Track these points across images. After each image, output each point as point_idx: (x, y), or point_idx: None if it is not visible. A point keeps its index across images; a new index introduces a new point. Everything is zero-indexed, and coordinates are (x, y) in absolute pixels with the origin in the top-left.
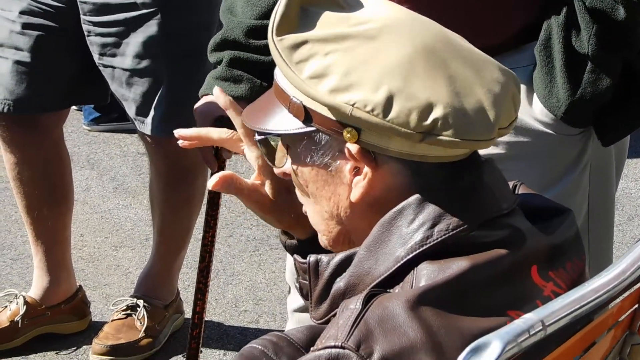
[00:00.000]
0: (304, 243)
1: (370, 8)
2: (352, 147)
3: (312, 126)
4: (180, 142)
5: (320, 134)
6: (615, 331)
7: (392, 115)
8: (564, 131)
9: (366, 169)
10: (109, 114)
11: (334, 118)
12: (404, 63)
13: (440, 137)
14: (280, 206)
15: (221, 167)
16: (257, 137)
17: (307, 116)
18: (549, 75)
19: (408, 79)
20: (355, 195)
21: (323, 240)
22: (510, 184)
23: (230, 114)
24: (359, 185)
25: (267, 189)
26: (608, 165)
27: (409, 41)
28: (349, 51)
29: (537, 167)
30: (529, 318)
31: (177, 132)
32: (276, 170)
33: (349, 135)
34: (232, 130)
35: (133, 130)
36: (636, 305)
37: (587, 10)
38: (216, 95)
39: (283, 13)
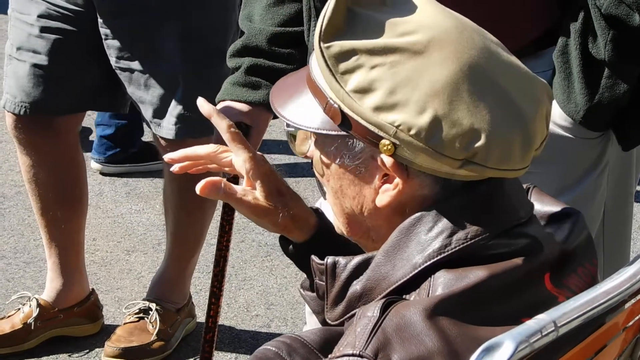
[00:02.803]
0: (302, 246)
1: (415, 9)
2: (387, 160)
3: (348, 132)
4: (172, 168)
5: (355, 140)
6: (626, 334)
7: (435, 141)
8: (583, 135)
9: (397, 180)
10: (126, 150)
11: (373, 131)
12: (449, 84)
13: (479, 167)
14: (274, 209)
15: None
16: (287, 129)
17: (344, 121)
18: (567, 81)
19: (452, 103)
20: (382, 201)
21: (340, 228)
22: (524, 187)
23: (214, 120)
24: (387, 194)
25: (258, 192)
26: (628, 168)
27: (455, 59)
28: (394, 66)
29: (556, 170)
30: (541, 319)
31: (167, 157)
32: (299, 154)
33: (385, 148)
34: (218, 145)
35: (144, 173)
36: None
37: (603, 17)
38: (199, 104)
39: (330, 17)
